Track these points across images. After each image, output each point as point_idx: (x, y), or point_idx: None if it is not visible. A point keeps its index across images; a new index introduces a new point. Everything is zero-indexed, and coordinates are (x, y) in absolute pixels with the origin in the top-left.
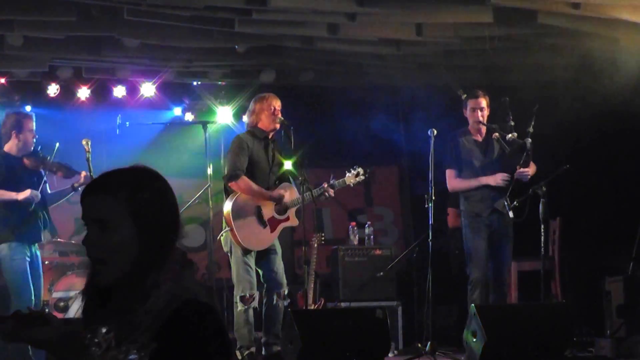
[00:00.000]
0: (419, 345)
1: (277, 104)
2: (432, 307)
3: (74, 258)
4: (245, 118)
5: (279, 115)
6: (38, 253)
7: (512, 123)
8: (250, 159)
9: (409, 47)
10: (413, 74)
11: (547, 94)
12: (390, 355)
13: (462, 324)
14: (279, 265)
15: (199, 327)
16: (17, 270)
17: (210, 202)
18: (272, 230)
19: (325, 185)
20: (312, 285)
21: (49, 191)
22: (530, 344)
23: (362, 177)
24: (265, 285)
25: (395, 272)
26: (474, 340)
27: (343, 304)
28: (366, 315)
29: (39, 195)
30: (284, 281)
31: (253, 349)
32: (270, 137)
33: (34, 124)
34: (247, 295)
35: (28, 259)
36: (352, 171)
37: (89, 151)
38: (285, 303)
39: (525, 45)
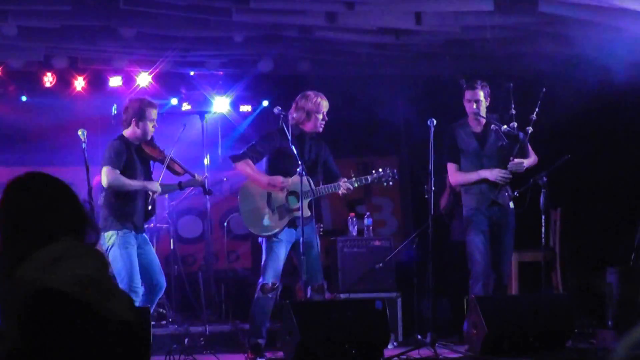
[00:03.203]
0: (419, 336)
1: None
2: (432, 298)
3: None
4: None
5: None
6: (147, 241)
7: (514, 112)
8: (277, 156)
9: (408, 37)
10: (412, 64)
11: (548, 83)
12: (389, 346)
13: (463, 315)
14: (314, 259)
15: (41, 315)
16: (125, 259)
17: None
18: (281, 217)
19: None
20: None
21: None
22: (531, 335)
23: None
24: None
25: (394, 263)
26: (474, 331)
27: (342, 296)
28: (365, 306)
29: (160, 189)
30: (319, 275)
31: (260, 340)
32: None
33: (156, 113)
34: (269, 284)
35: (136, 247)
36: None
37: (84, 141)
38: (326, 295)
39: (526, 35)
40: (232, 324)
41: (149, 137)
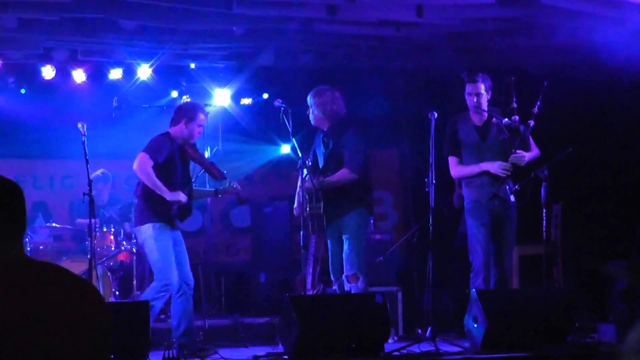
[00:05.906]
0: (420, 330)
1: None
2: (433, 292)
3: (69, 243)
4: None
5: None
6: (181, 239)
7: (515, 105)
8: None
9: (409, 29)
10: (413, 56)
11: (550, 76)
12: (390, 341)
13: (463, 309)
14: (337, 253)
15: None
16: (160, 252)
17: (208, 185)
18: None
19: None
20: (311, 270)
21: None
22: (531, 329)
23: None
24: None
25: (395, 256)
26: (475, 325)
27: None
28: (366, 300)
29: (186, 199)
30: (347, 265)
31: None
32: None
33: (206, 119)
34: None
35: (171, 242)
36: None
37: (84, 135)
38: (348, 287)
39: (527, 27)
40: (231, 317)
41: (193, 140)
